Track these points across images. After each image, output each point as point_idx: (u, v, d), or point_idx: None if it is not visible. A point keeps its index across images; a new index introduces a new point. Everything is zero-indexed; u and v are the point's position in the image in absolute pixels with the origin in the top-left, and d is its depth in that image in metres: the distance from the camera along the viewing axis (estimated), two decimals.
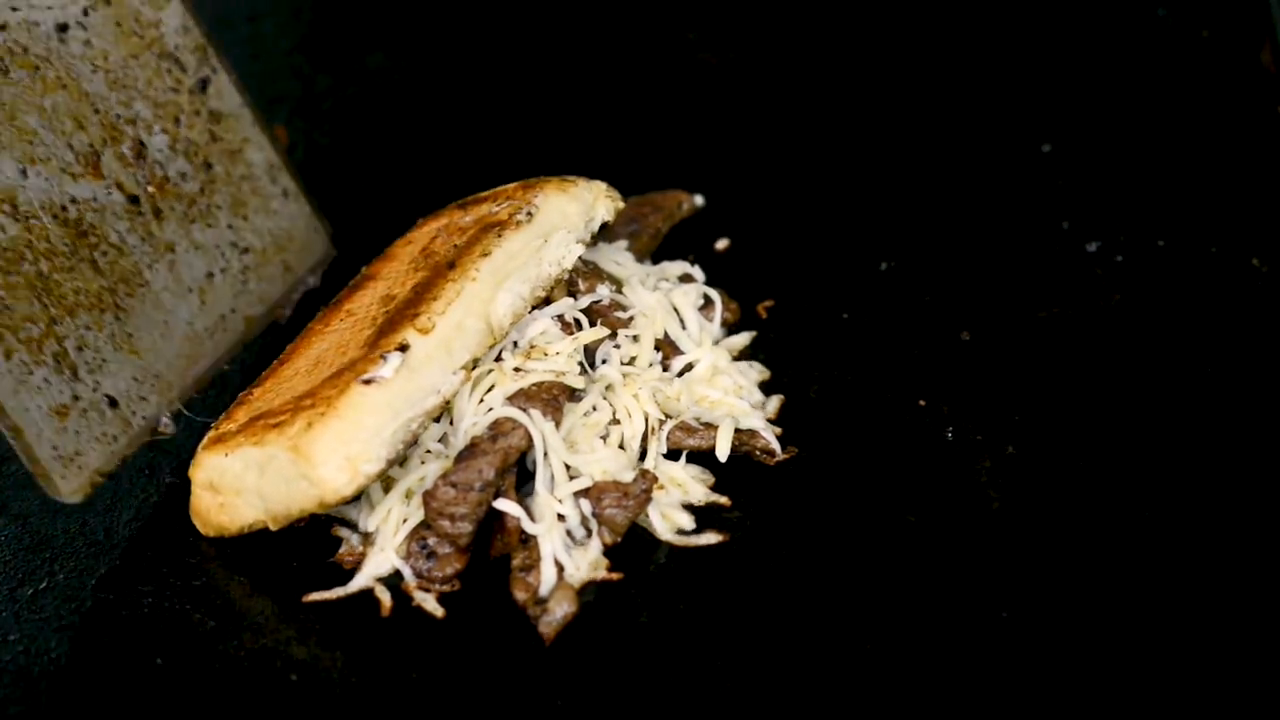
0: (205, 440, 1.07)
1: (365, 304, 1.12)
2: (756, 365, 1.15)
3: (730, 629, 1.00)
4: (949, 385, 1.13)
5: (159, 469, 1.12)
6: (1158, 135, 1.31)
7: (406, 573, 1.03)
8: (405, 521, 1.04)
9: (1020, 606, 0.99)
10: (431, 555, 1.03)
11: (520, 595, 1.02)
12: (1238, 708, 0.94)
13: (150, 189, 1.07)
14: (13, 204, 1.01)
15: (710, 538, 1.05)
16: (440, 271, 1.09)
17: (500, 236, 1.09)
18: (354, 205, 1.31)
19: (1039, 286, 1.20)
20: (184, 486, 1.10)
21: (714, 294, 1.18)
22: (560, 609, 1.01)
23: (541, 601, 1.01)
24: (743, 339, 1.18)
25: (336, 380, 1.03)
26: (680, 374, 1.13)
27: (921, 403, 1.12)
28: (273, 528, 1.04)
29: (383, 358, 1.02)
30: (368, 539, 1.05)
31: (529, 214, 1.11)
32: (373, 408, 1.01)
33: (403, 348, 1.03)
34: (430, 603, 1.02)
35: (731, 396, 1.12)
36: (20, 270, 1.01)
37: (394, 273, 1.14)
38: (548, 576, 1.02)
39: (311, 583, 1.04)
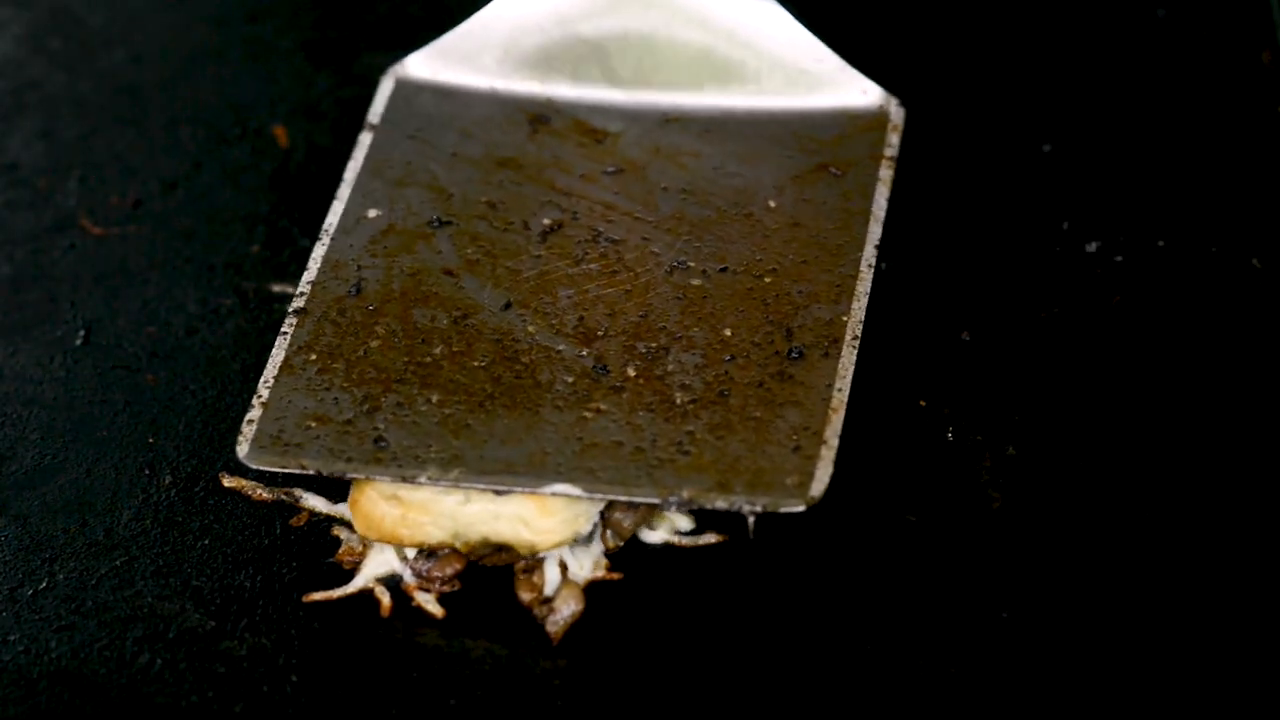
0: None
1: None
2: None
3: (730, 629, 1.00)
4: (949, 385, 1.13)
5: (159, 469, 1.12)
6: (1158, 135, 1.31)
7: (406, 573, 1.03)
8: None
9: (1020, 606, 0.99)
10: (431, 555, 1.03)
11: (525, 595, 1.01)
12: (1238, 708, 0.94)
13: None
14: None
15: (710, 538, 1.05)
16: None
17: None
18: None
19: (1039, 286, 1.19)
20: (184, 488, 1.10)
21: None
22: (566, 608, 1.01)
23: (547, 601, 1.01)
24: None
25: None
26: None
27: (922, 403, 1.12)
28: (459, 550, 1.02)
29: None
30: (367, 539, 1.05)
31: None
32: None
33: None
34: (430, 603, 1.02)
35: None
36: None
37: None
38: (552, 576, 1.02)
39: (311, 583, 1.04)
